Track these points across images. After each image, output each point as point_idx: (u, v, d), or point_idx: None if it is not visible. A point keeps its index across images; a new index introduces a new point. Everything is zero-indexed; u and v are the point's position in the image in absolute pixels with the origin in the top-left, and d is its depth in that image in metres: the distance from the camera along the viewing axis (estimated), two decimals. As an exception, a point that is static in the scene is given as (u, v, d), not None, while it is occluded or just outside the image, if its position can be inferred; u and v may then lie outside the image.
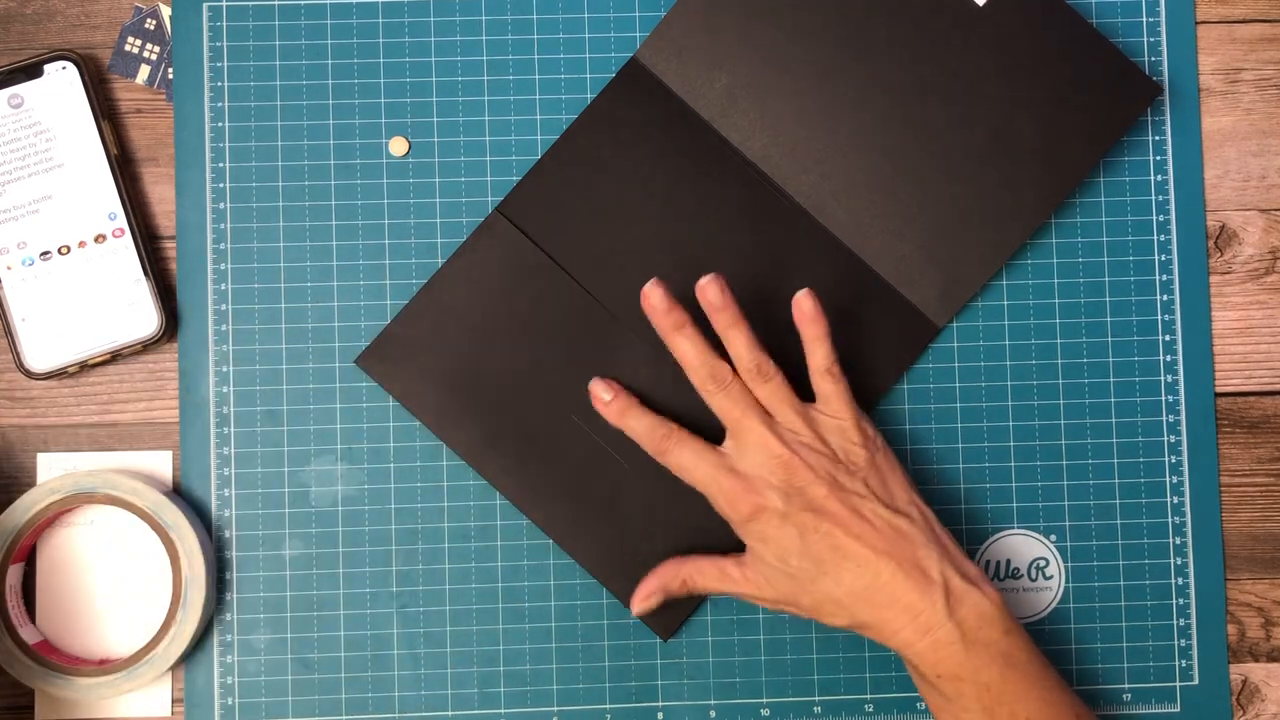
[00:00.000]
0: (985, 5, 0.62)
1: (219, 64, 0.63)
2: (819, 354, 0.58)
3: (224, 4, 0.63)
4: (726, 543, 0.60)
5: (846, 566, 0.56)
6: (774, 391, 0.58)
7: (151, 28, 0.63)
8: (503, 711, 0.62)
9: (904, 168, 0.62)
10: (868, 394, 0.62)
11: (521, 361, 0.62)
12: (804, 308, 0.57)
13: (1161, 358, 0.64)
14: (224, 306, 0.62)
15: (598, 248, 0.62)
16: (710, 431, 0.60)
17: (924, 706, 0.62)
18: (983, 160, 0.62)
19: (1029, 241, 0.64)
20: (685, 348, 0.58)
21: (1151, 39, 0.65)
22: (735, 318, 0.57)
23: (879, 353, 0.62)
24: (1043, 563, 0.63)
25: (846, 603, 0.56)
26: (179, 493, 0.62)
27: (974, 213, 0.62)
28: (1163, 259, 0.64)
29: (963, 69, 0.62)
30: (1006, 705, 0.55)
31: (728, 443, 0.58)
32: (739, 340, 0.57)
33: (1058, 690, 0.56)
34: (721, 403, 0.58)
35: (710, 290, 0.57)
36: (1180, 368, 0.64)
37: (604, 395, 0.60)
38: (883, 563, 0.55)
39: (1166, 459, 0.64)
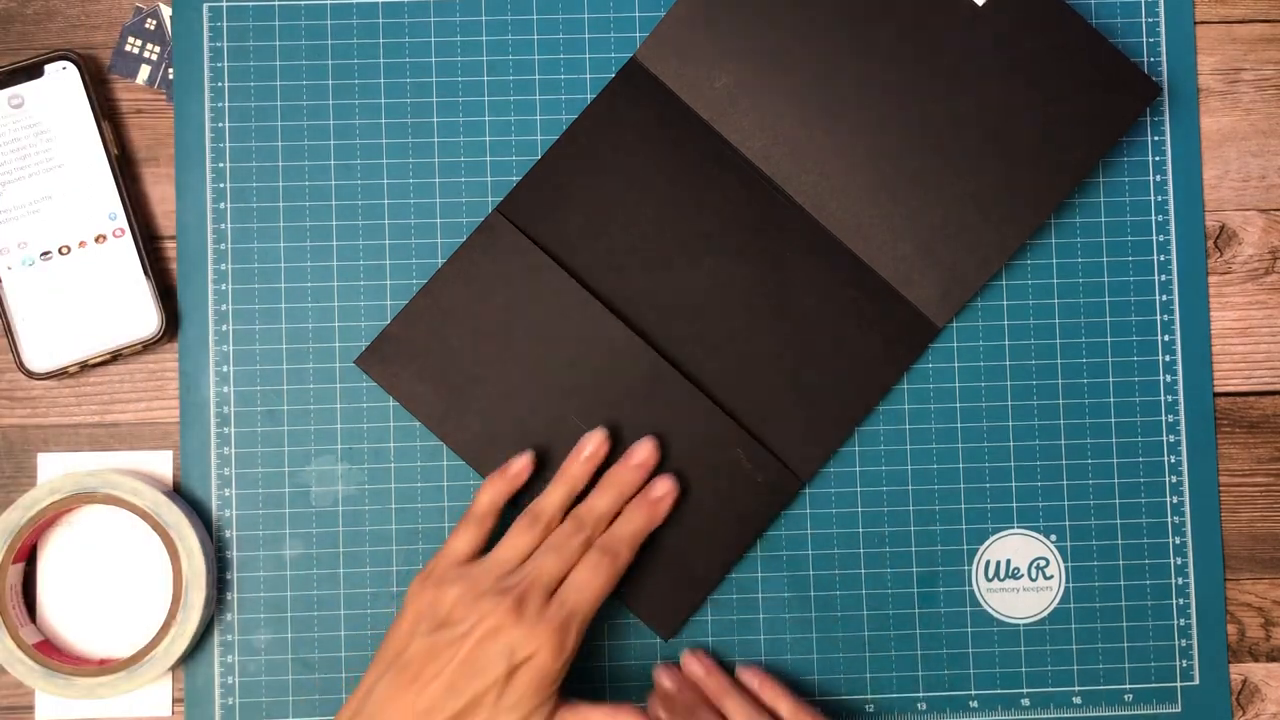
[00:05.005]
0: (985, 5, 0.62)
1: (219, 64, 0.63)
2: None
3: (224, 4, 0.63)
4: (732, 532, 0.61)
5: None
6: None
7: (152, 28, 0.63)
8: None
9: (904, 167, 0.62)
10: (868, 395, 0.62)
11: (521, 361, 0.62)
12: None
13: (1161, 358, 0.64)
14: (224, 306, 0.62)
15: (598, 247, 0.62)
16: (711, 447, 0.60)
17: (924, 708, 0.62)
18: (982, 160, 0.62)
19: (1029, 241, 0.64)
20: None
21: (1151, 39, 0.65)
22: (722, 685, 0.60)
23: (879, 353, 0.62)
24: (1043, 563, 0.63)
25: None
26: (179, 493, 0.62)
27: (974, 212, 0.62)
28: (1162, 259, 0.64)
29: (962, 68, 0.62)
30: None
31: None
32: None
33: None
34: None
35: (694, 666, 0.61)
36: (1179, 368, 0.64)
37: None
38: None
39: (1166, 459, 0.64)
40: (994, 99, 0.62)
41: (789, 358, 0.62)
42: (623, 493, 0.59)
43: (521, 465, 0.59)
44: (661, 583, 0.61)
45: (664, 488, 0.59)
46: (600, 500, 0.58)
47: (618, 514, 0.59)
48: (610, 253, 0.62)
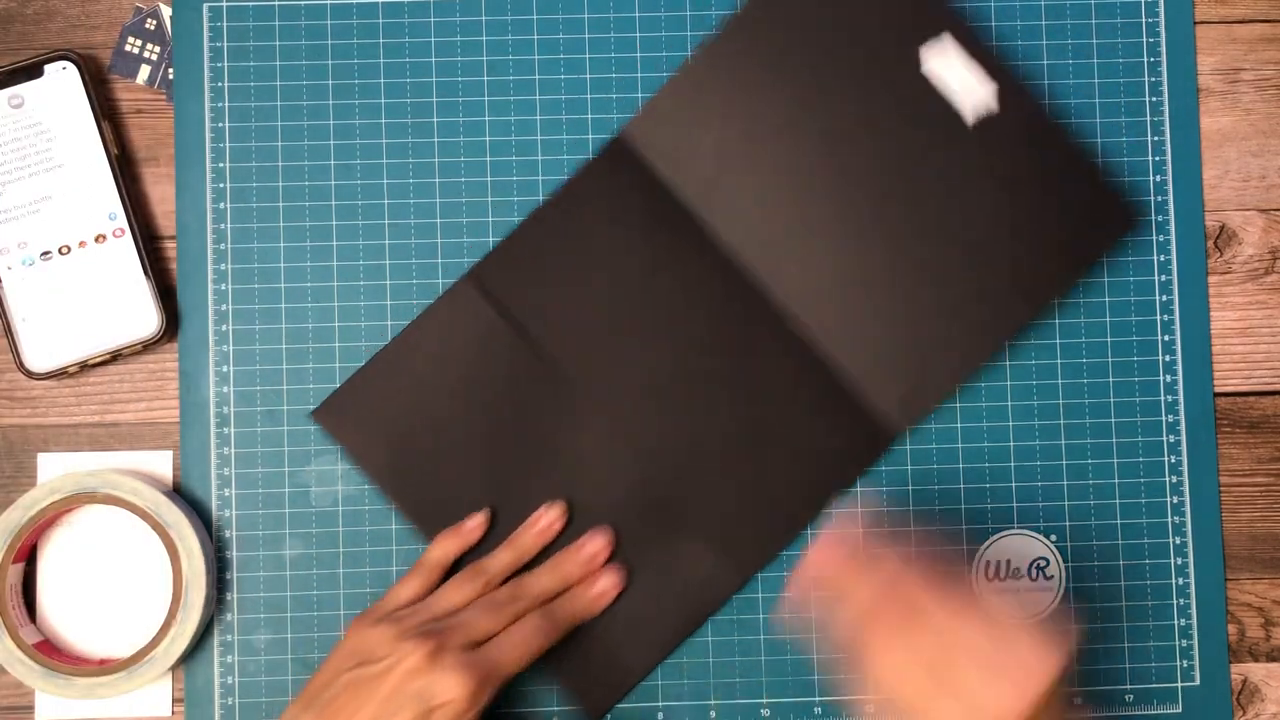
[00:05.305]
0: (974, 125, 0.61)
1: (219, 64, 0.63)
2: None
3: (224, 4, 0.63)
4: (667, 624, 0.61)
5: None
6: None
7: (152, 28, 0.63)
8: (502, 710, 0.62)
9: (878, 274, 0.62)
10: (817, 499, 0.62)
11: (477, 431, 0.61)
12: None
13: (1161, 358, 0.64)
14: (224, 306, 0.62)
15: (566, 323, 0.62)
16: (653, 535, 0.61)
17: (924, 707, 0.62)
18: (957, 274, 0.61)
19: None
20: None
21: (1151, 39, 0.65)
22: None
23: (831, 458, 0.62)
24: (1043, 563, 0.63)
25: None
26: (179, 493, 0.62)
27: (942, 327, 0.62)
28: (1162, 259, 0.64)
29: (948, 182, 0.62)
30: None
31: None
32: None
33: None
34: None
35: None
36: (1179, 368, 0.64)
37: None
38: None
39: (1166, 459, 0.64)
40: (976, 215, 0.62)
41: (740, 453, 0.62)
42: (567, 579, 0.60)
43: (476, 523, 0.60)
44: (592, 663, 0.61)
45: (610, 582, 0.60)
46: (544, 579, 0.59)
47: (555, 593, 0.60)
48: (578, 330, 0.62)
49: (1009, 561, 0.63)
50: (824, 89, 0.62)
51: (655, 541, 0.61)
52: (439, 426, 0.61)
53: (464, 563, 0.60)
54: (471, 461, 0.61)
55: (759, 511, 0.61)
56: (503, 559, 0.59)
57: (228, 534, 0.62)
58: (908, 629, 0.52)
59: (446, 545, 0.60)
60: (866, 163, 0.62)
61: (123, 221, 0.61)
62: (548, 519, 0.60)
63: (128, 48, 0.63)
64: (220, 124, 0.63)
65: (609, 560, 0.61)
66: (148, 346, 0.61)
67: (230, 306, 0.62)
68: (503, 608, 0.57)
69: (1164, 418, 0.64)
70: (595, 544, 0.60)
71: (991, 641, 0.51)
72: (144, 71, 0.63)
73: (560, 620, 0.58)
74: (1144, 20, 0.65)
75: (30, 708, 0.61)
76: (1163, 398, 0.64)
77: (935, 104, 0.61)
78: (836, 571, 0.55)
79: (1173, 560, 0.63)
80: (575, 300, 0.62)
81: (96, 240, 0.61)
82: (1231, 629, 0.64)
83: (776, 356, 0.62)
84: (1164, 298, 0.64)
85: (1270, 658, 0.64)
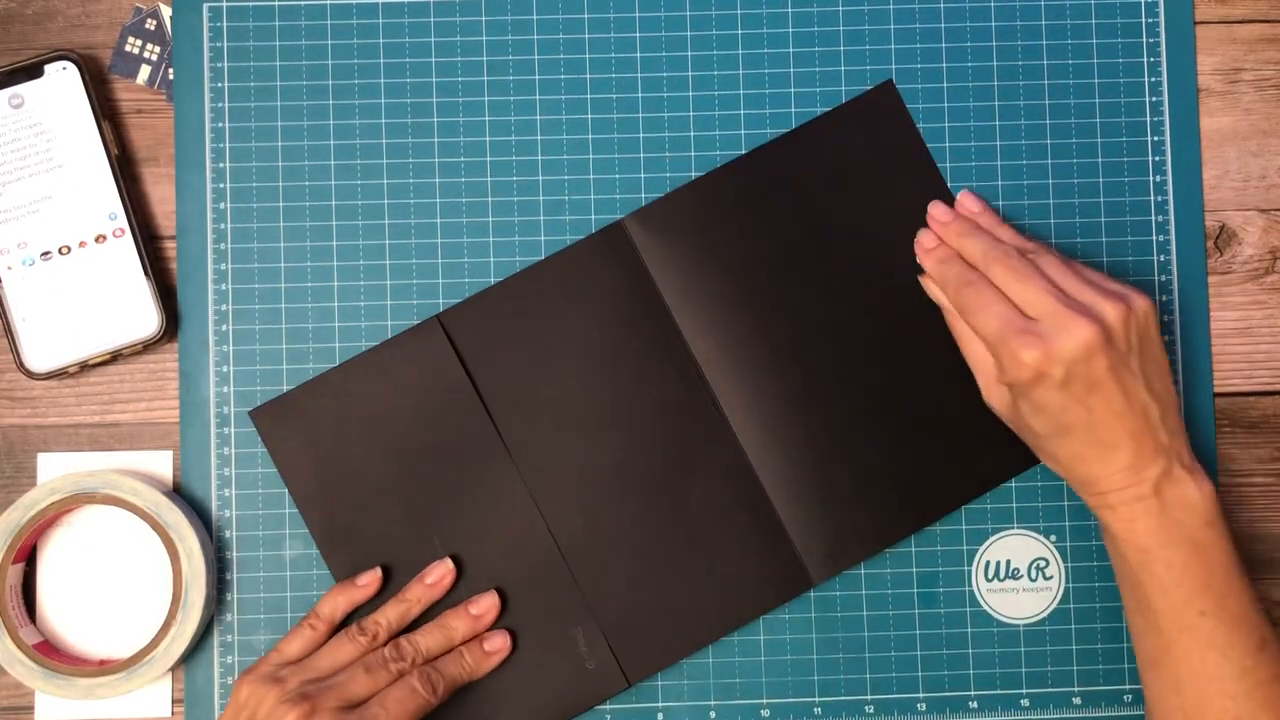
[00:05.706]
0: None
1: (219, 64, 0.63)
2: None
3: (224, 4, 0.63)
4: (545, 709, 0.60)
5: (1087, 440, 0.55)
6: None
7: (152, 28, 0.63)
8: (503, 711, 0.62)
9: (834, 423, 0.62)
10: (724, 623, 0.61)
11: (406, 470, 0.61)
12: None
13: (1161, 358, 0.64)
14: (224, 306, 0.62)
15: (520, 387, 0.61)
16: (554, 617, 0.61)
17: (924, 708, 0.62)
18: (908, 442, 0.62)
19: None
20: None
21: (1151, 39, 0.65)
22: None
23: (750, 588, 0.61)
24: (1043, 563, 0.63)
25: (1065, 462, 0.56)
26: (179, 493, 0.62)
27: (882, 490, 0.62)
28: (1162, 259, 0.64)
29: (916, 356, 0.62)
30: (1184, 590, 0.54)
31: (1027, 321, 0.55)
32: None
33: (1242, 598, 0.54)
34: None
35: None
36: (1179, 368, 0.64)
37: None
38: (1121, 445, 0.54)
39: (1166, 459, 0.63)
40: (936, 395, 0.62)
41: (660, 559, 0.61)
42: (451, 638, 0.59)
43: (369, 580, 0.60)
44: None
45: (497, 644, 0.60)
46: (427, 639, 0.59)
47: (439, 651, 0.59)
48: (530, 396, 0.61)
49: (1009, 561, 0.63)
50: (811, 240, 0.62)
51: (553, 622, 0.61)
52: (370, 459, 0.61)
53: (356, 616, 0.60)
54: (392, 499, 0.61)
55: (661, 623, 0.61)
56: (389, 615, 0.59)
57: (228, 534, 0.62)
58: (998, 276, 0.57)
59: (336, 600, 0.60)
60: (849, 323, 0.62)
61: (123, 221, 0.61)
62: (437, 574, 0.60)
63: (128, 48, 0.63)
64: (220, 124, 0.63)
65: (495, 627, 0.61)
66: (148, 346, 0.61)
67: (230, 306, 0.62)
68: (383, 667, 0.57)
69: (1164, 418, 0.64)
70: (484, 604, 0.60)
71: (1075, 271, 0.57)
72: (144, 72, 0.63)
73: (442, 679, 0.58)
74: (1144, 20, 0.65)
75: (30, 708, 0.61)
76: (1163, 398, 0.64)
77: (920, 291, 0.61)
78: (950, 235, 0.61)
79: (1173, 560, 0.63)
80: (536, 369, 0.61)
81: (96, 240, 0.61)
82: (1231, 629, 0.64)
83: (720, 473, 0.61)
84: (1164, 298, 0.64)
85: (1270, 658, 0.64)
